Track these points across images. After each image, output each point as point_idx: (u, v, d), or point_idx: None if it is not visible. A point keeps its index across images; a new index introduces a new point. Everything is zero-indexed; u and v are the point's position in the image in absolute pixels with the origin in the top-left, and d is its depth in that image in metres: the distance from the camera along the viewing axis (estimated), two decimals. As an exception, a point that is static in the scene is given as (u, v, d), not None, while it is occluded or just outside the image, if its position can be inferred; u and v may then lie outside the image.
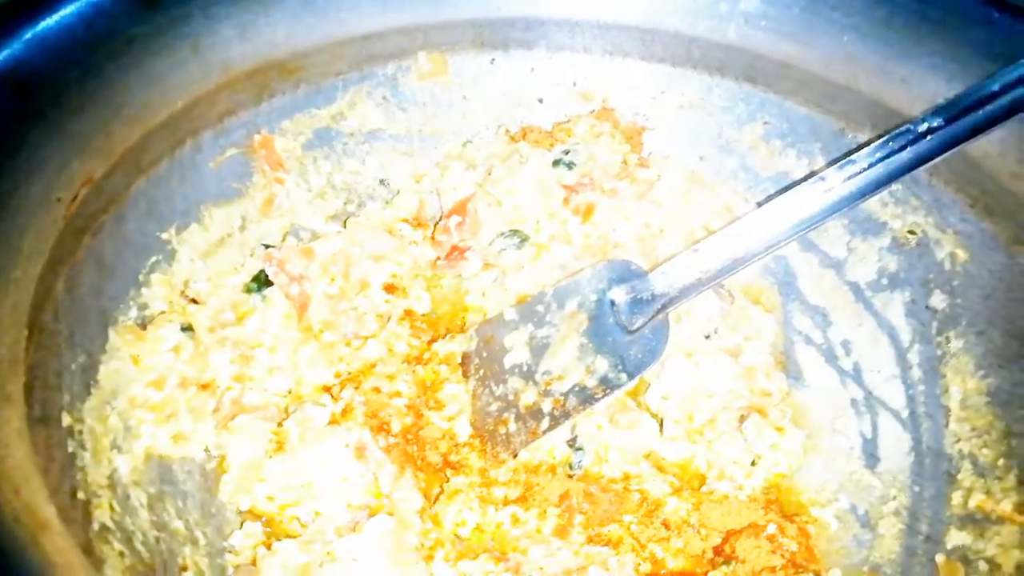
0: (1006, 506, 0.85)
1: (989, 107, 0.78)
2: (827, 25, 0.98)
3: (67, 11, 0.83)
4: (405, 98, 1.11)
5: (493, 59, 1.12)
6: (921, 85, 0.93)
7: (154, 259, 0.96)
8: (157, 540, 0.82)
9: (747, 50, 1.04)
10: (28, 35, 0.82)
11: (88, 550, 0.66)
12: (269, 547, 0.86)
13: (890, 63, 0.95)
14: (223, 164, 1.01)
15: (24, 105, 0.80)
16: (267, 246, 1.07)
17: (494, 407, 0.98)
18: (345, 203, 1.14)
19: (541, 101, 1.16)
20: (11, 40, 0.81)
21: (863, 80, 0.98)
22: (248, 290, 1.03)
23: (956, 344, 0.95)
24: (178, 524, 0.86)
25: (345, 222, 1.12)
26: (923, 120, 0.79)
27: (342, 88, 1.07)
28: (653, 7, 1.06)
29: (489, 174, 1.13)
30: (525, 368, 0.98)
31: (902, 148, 0.79)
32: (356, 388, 0.98)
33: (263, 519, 0.92)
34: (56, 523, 0.56)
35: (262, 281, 1.04)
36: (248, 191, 1.05)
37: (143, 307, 0.95)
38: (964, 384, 0.94)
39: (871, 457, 0.99)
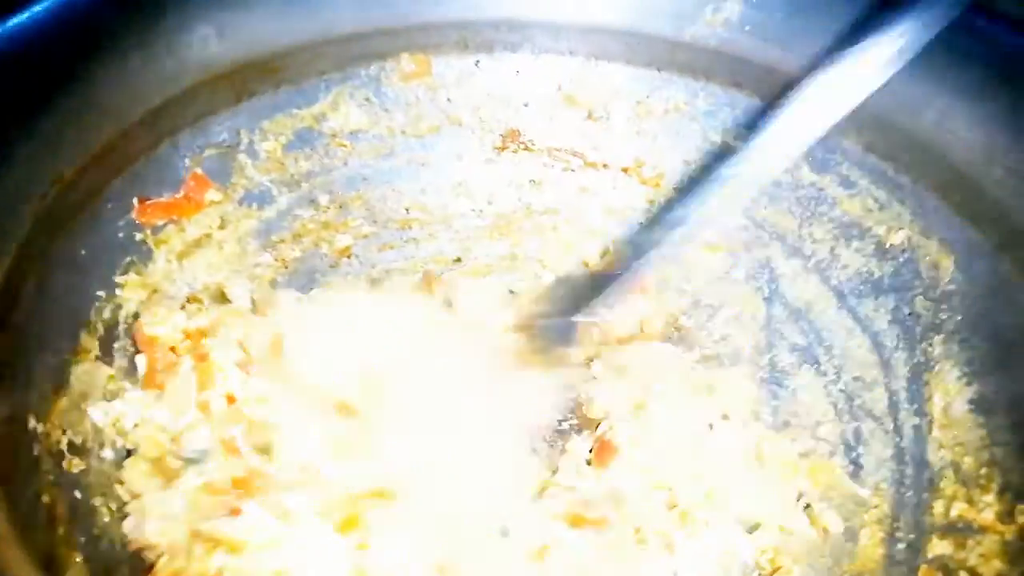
0: (987, 516, 0.84)
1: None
2: (810, 30, 0.97)
3: (38, 8, 0.82)
4: (388, 99, 1.10)
5: (478, 61, 1.11)
6: (905, 91, 0.92)
7: (129, 259, 0.95)
8: (124, 545, 0.81)
9: (732, 55, 1.04)
10: (-1, 31, 0.81)
11: (49, 559, 0.64)
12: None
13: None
14: (201, 163, 1.00)
15: (-7, 102, 0.79)
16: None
17: None
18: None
19: (527, 105, 1.15)
20: (-20, 37, 0.80)
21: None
22: None
23: (939, 351, 0.94)
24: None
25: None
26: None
27: (324, 88, 1.06)
28: (637, 11, 1.05)
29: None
30: None
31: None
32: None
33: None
34: (11, 533, 0.55)
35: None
36: (227, 192, 1.04)
37: (117, 308, 0.93)
38: (947, 392, 0.93)
39: (854, 464, 0.99)
